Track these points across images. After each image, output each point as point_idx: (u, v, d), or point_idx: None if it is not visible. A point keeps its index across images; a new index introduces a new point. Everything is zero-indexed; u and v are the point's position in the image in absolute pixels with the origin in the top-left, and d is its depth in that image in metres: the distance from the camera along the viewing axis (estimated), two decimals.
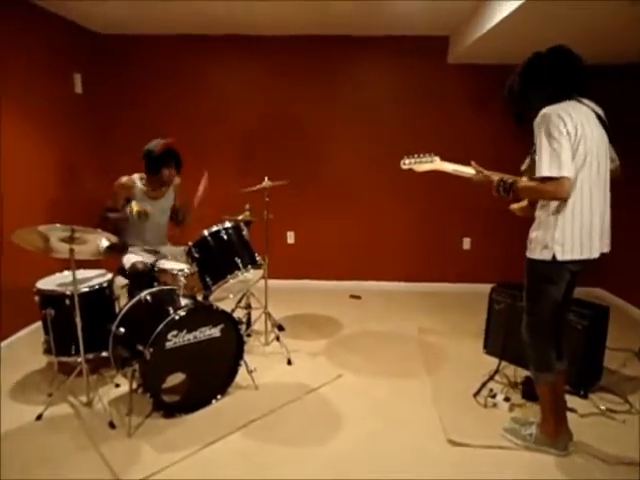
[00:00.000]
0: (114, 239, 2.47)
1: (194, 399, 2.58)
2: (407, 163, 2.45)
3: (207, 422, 2.48)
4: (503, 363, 3.00)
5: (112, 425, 2.41)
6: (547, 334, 2.18)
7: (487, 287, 4.40)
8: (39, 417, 2.48)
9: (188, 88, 4.41)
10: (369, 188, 4.57)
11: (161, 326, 2.37)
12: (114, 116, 4.43)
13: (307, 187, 4.51)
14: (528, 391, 2.73)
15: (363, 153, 4.51)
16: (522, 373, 2.94)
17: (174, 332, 2.44)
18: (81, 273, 2.93)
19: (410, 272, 4.71)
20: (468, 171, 2.27)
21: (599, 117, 2.02)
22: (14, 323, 3.38)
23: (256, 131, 4.49)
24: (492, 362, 3.06)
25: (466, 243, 4.64)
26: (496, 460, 2.22)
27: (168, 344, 2.43)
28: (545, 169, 1.88)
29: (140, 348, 2.38)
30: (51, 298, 2.71)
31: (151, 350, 2.34)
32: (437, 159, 2.36)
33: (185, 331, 2.47)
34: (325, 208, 4.61)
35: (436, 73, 4.34)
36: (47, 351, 2.80)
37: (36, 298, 2.73)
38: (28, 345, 3.31)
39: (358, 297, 4.47)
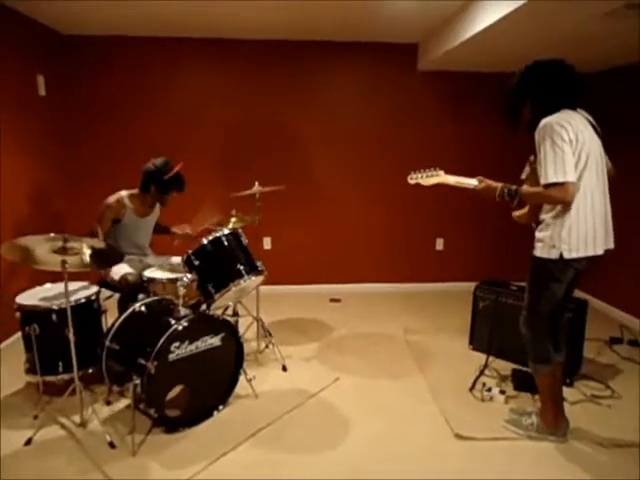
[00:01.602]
0: (108, 248, 2.36)
1: (196, 411, 2.51)
2: (414, 178, 2.48)
3: (212, 434, 2.42)
4: (490, 358, 3.12)
5: (112, 445, 2.29)
6: (545, 329, 2.30)
7: (461, 286, 4.64)
8: (29, 442, 2.31)
9: (160, 92, 4.27)
10: (344, 192, 4.62)
11: (164, 338, 2.29)
12: (80, 119, 4.22)
13: (282, 192, 4.48)
14: (519, 383, 2.87)
15: (338, 157, 4.55)
16: (509, 366, 3.08)
17: (177, 343, 2.35)
18: (62, 286, 2.75)
19: (387, 273, 4.80)
20: (470, 182, 2.35)
21: (591, 124, 2.17)
22: None
23: (231, 137, 4.42)
24: (479, 357, 3.18)
25: (439, 244, 4.79)
26: (504, 451, 2.31)
27: (171, 356, 2.34)
28: (551, 175, 2.00)
29: (142, 362, 2.28)
30: (35, 314, 2.54)
31: (155, 363, 2.24)
32: (442, 173, 2.43)
33: (187, 342, 2.40)
34: (300, 213, 4.61)
35: (406, 79, 4.46)
36: (30, 371, 2.62)
37: (17, 314, 2.55)
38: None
39: (338, 300, 4.50)
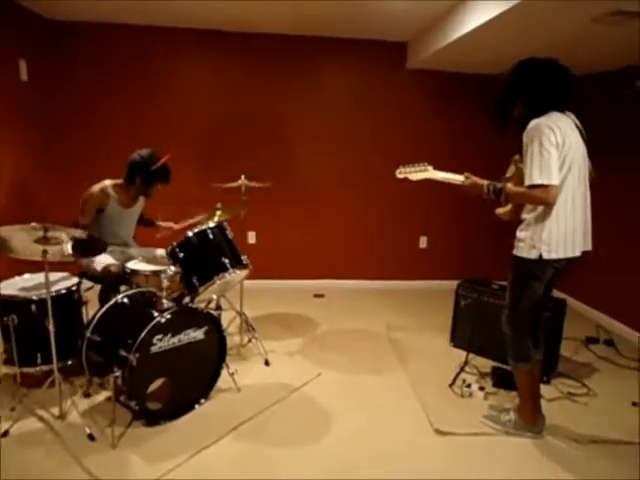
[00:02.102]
0: (91, 238, 2.33)
1: (177, 405, 2.49)
2: (402, 172, 2.46)
3: (193, 428, 2.40)
4: (470, 355, 3.17)
5: (92, 437, 2.26)
6: (526, 327, 2.35)
7: (444, 284, 4.68)
8: (5, 434, 2.27)
9: (147, 81, 4.21)
10: (329, 187, 4.62)
11: (146, 330, 2.26)
12: (63, 106, 4.13)
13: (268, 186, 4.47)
14: (498, 380, 2.92)
15: (324, 153, 4.55)
16: (489, 363, 3.13)
17: (159, 336, 2.33)
18: (42, 277, 2.70)
19: (371, 270, 4.82)
20: (457, 178, 2.36)
21: (578, 127, 2.21)
22: None
23: (218, 129, 4.38)
24: (460, 354, 3.23)
25: (422, 242, 4.84)
26: (482, 446, 2.35)
27: (153, 348, 2.32)
28: (536, 177, 2.03)
29: (124, 354, 2.25)
30: (13, 304, 2.49)
31: (137, 355, 2.22)
32: (430, 168, 2.42)
33: (170, 334, 2.38)
34: (285, 208, 4.60)
35: (395, 77, 4.48)
36: (8, 362, 2.56)
37: None
38: None
39: (322, 295, 4.51)
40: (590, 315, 4.20)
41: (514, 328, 2.36)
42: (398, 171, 2.48)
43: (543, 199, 2.06)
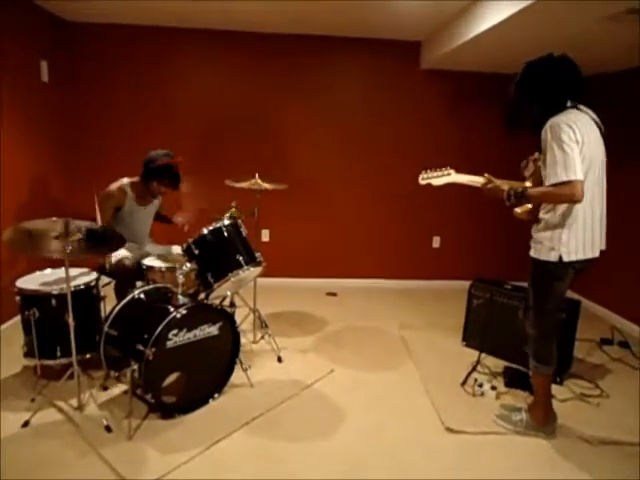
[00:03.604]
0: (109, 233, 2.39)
1: (192, 399, 2.54)
2: (425, 178, 2.44)
3: (207, 421, 2.45)
4: (483, 354, 3.17)
5: (109, 429, 2.32)
6: (552, 329, 2.33)
7: (456, 283, 4.67)
8: (26, 424, 2.34)
9: (163, 81, 4.28)
10: (343, 186, 4.65)
11: (162, 325, 2.32)
12: (82, 106, 4.23)
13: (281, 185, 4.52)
14: (510, 380, 2.92)
15: (338, 153, 4.58)
16: (501, 363, 3.13)
17: (175, 331, 2.39)
18: (62, 272, 2.78)
19: (384, 269, 4.84)
20: (479, 180, 2.35)
21: (596, 123, 2.19)
22: None
23: (231, 129, 4.43)
24: (472, 354, 3.22)
25: (436, 242, 4.83)
26: (493, 445, 2.36)
27: (169, 343, 2.37)
28: (561, 174, 1.99)
29: (141, 348, 2.31)
30: (35, 298, 2.56)
31: (153, 350, 2.28)
32: (452, 172, 2.41)
33: (185, 330, 2.43)
34: (300, 206, 4.64)
35: (408, 77, 4.48)
36: (28, 354, 2.64)
37: (17, 298, 2.58)
38: None
39: (334, 294, 4.53)
40: (605, 316, 4.16)
41: (540, 330, 2.33)
42: (421, 177, 2.45)
43: (570, 195, 2.01)
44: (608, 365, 3.25)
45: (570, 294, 4.44)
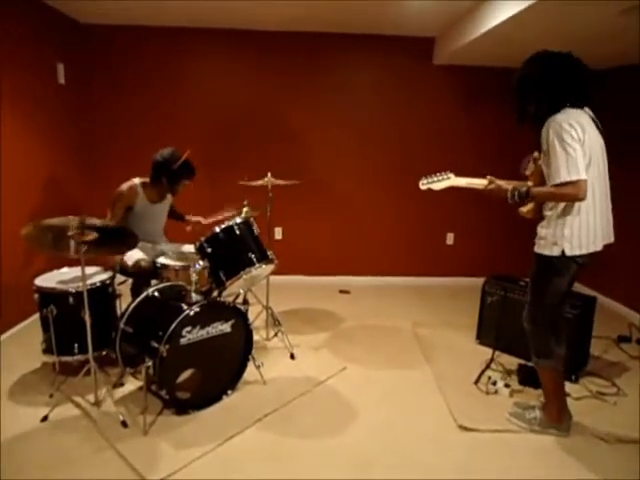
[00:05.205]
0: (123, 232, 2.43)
1: (205, 395, 2.58)
2: (425, 183, 2.44)
3: (221, 418, 2.48)
4: (497, 352, 3.14)
5: (125, 424, 2.36)
6: (547, 323, 2.32)
7: (470, 280, 4.64)
8: (45, 419, 2.40)
9: (175, 81, 4.33)
10: (356, 184, 4.64)
11: (176, 322, 2.35)
12: (97, 108, 4.30)
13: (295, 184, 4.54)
14: (524, 377, 2.89)
15: (352, 150, 4.57)
16: (515, 361, 3.10)
17: (188, 328, 2.42)
18: (78, 270, 2.83)
19: (397, 267, 4.82)
20: (481, 182, 2.35)
21: (595, 122, 2.18)
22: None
23: (244, 127, 4.46)
24: (486, 352, 3.20)
25: (449, 238, 4.80)
26: (506, 443, 2.34)
27: (182, 340, 2.41)
28: (564, 174, 2.00)
29: (155, 345, 2.35)
30: (53, 296, 2.62)
31: (167, 347, 2.31)
32: (452, 175, 2.40)
33: (199, 327, 2.46)
34: (312, 204, 4.65)
35: (422, 73, 4.46)
36: (47, 351, 2.70)
37: (35, 296, 2.64)
38: (17, 345, 3.19)
39: (347, 292, 4.54)
40: (623, 313, 4.09)
41: (536, 325, 2.34)
42: (420, 183, 2.45)
43: (574, 195, 2.03)
44: (626, 363, 3.20)
45: (586, 290, 4.39)
